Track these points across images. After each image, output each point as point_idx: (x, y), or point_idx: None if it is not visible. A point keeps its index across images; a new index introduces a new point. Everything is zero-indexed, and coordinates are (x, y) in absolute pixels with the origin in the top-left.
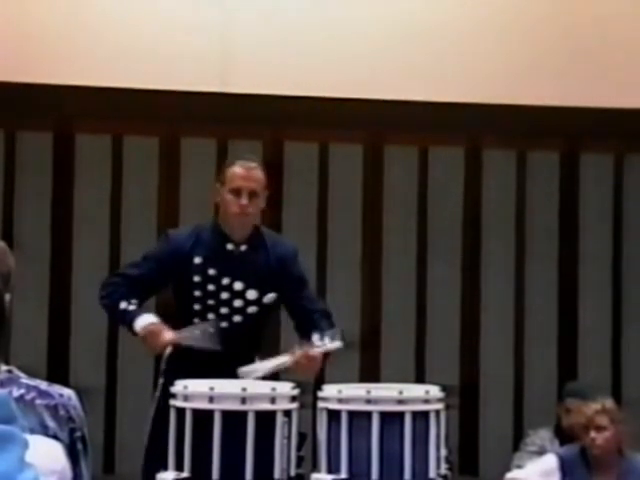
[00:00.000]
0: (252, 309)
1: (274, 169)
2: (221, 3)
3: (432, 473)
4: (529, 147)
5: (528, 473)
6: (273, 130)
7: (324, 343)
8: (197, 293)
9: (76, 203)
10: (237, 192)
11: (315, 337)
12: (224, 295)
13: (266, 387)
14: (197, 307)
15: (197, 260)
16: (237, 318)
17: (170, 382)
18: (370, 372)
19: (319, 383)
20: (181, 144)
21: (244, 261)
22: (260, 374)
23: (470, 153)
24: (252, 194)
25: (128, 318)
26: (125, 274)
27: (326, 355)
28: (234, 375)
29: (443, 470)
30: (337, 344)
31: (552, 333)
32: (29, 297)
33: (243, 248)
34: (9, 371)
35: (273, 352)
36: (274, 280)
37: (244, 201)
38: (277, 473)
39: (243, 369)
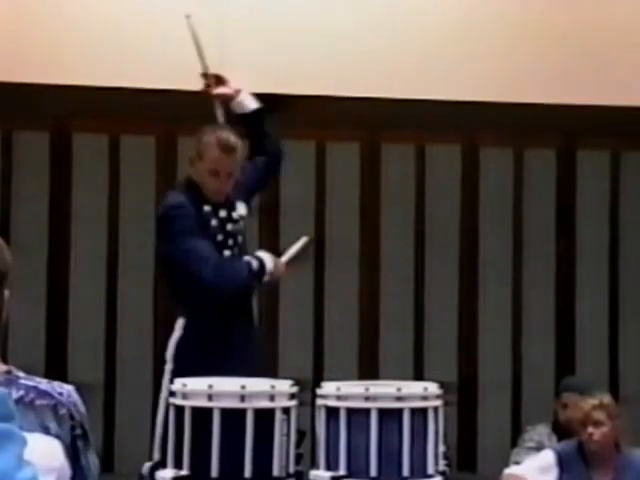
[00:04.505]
0: (242, 224)
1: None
2: (218, 2)
3: (430, 469)
4: (526, 145)
5: (526, 469)
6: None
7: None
8: (220, 237)
9: (73, 202)
10: (215, 173)
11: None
12: (235, 229)
13: (265, 385)
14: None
15: (207, 208)
16: (240, 239)
17: (180, 367)
18: (369, 369)
19: (318, 381)
20: (178, 143)
21: (229, 198)
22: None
23: (467, 151)
24: (229, 174)
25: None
26: (212, 253)
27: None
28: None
29: (441, 466)
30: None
31: (550, 330)
32: (27, 295)
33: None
34: (8, 372)
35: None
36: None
37: (223, 182)
38: (276, 470)
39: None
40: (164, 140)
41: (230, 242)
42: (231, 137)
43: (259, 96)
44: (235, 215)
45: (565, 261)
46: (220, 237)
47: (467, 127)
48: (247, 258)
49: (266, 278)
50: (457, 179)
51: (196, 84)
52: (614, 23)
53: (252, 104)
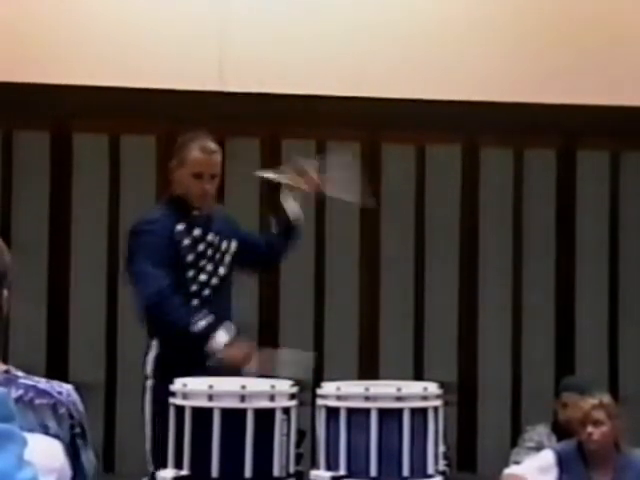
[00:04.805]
0: (228, 258)
1: (272, 167)
2: (219, 2)
3: (430, 469)
4: (526, 145)
5: (526, 469)
6: (271, 129)
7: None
8: (190, 258)
9: (74, 202)
10: (199, 176)
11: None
12: (209, 252)
13: (265, 385)
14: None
15: (180, 227)
16: (222, 270)
17: (161, 381)
18: (369, 369)
19: (318, 381)
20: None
21: (209, 219)
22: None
23: (467, 151)
24: (212, 176)
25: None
26: (161, 281)
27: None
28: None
29: (441, 466)
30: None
31: (549, 330)
32: (27, 295)
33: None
34: (7, 371)
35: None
36: (231, 233)
37: (207, 185)
38: (276, 470)
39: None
40: (164, 140)
41: (207, 266)
42: (210, 141)
43: (259, 96)
44: (210, 238)
45: (565, 261)
46: (190, 257)
47: (467, 127)
48: (204, 318)
49: (212, 352)
50: (457, 179)
51: (196, 84)
52: (614, 23)
53: (295, 213)
